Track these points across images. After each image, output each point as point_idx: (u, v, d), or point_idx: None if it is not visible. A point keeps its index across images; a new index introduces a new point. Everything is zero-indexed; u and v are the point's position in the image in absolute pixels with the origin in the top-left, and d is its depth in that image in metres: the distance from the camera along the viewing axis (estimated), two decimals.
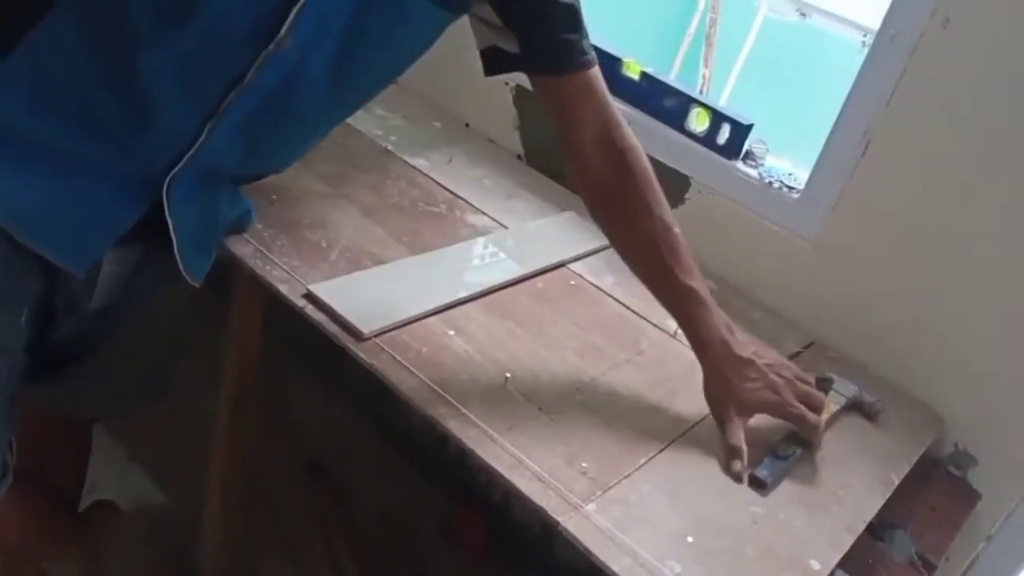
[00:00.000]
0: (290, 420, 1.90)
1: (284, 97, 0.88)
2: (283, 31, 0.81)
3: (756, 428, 1.03)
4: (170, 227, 0.91)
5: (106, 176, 0.87)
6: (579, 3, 1.00)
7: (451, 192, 1.39)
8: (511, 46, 1.01)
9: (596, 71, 1.02)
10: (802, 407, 1.00)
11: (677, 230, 1.01)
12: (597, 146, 1.02)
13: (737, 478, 0.96)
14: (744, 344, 1.02)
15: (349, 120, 1.50)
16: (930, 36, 1.13)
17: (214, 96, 0.84)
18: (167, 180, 0.88)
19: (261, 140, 0.93)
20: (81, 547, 1.34)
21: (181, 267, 0.94)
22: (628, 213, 1.02)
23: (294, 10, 0.81)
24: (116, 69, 0.82)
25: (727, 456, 0.98)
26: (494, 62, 1.04)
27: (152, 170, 0.88)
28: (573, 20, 0.99)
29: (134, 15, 0.80)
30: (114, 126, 0.85)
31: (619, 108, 1.45)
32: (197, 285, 0.98)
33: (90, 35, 0.82)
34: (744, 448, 0.97)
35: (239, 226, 1.08)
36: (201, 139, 0.86)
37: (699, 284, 1.00)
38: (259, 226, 1.12)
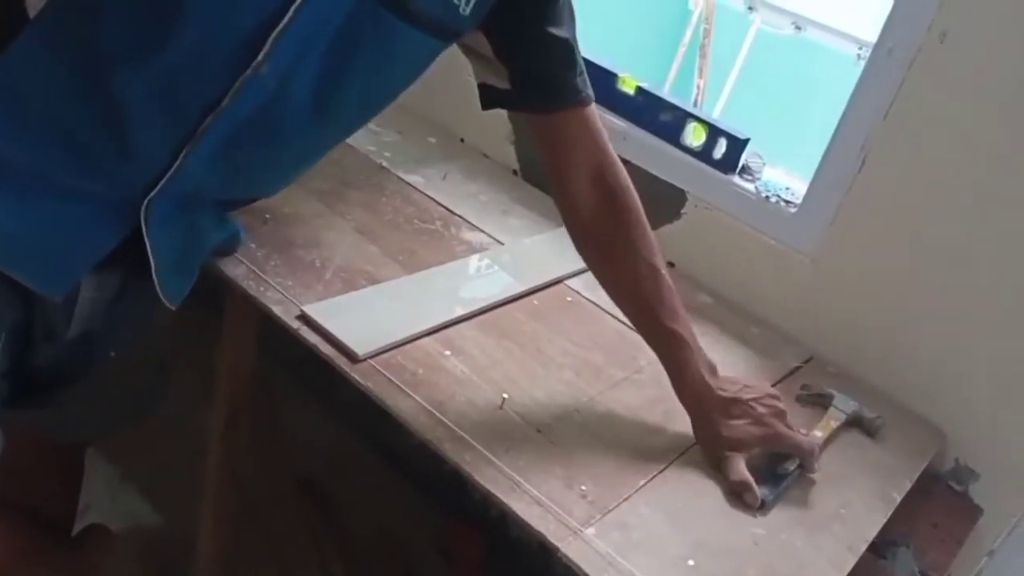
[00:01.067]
0: (284, 438, 1.89)
1: (264, 123, 0.86)
2: (260, 56, 0.80)
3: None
4: (148, 251, 0.89)
5: (83, 200, 0.86)
6: (576, 39, 0.99)
7: (446, 209, 1.38)
8: (501, 81, 1.00)
9: (591, 109, 1.00)
10: (795, 434, 1.00)
11: (664, 272, 1.01)
12: (587, 185, 1.01)
13: (751, 509, 0.95)
14: (728, 382, 1.01)
15: None
16: (927, 50, 1.13)
17: (190, 120, 0.83)
18: (144, 203, 0.87)
19: (242, 166, 0.91)
20: (75, 572, 1.32)
21: (158, 290, 0.92)
22: (615, 254, 1.01)
23: (272, 35, 0.79)
24: (91, 91, 0.80)
25: (735, 491, 0.96)
26: (490, 96, 1.04)
27: (130, 194, 0.86)
28: (569, 56, 0.98)
29: (108, 37, 0.78)
30: (90, 149, 0.83)
31: (613, 123, 1.45)
32: (174, 308, 0.97)
33: (64, 56, 0.80)
34: (750, 480, 0.95)
35: (227, 248, 1.07)
36: (177, 163, 0.84)
37: (682, 327, 1.00)
38: (252, 246, 1.11)
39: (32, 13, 0.80)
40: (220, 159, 0.87)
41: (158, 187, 0.86)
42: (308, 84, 0.86)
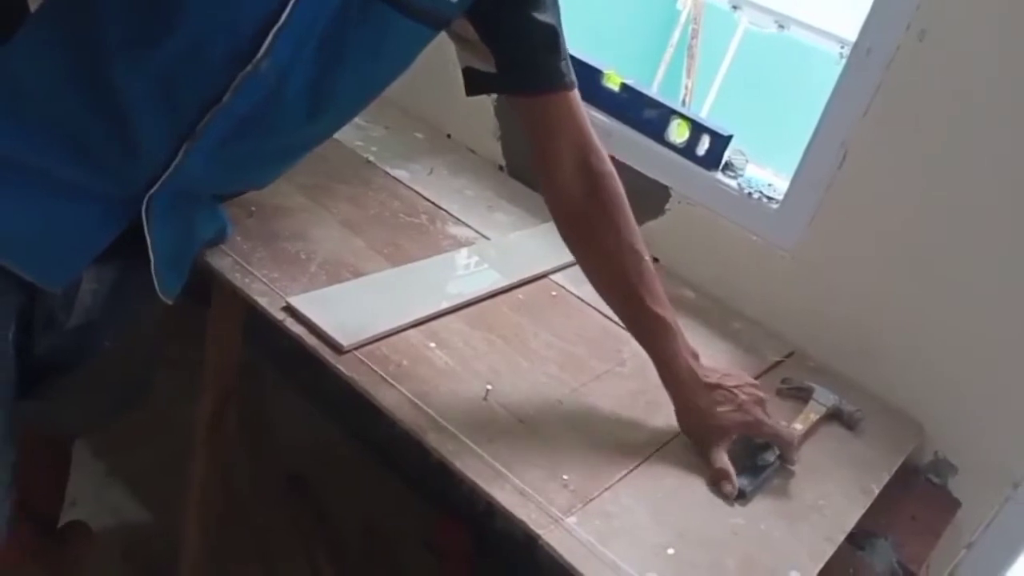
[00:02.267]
0: (271, 432, 1.89)
1: (263, 119, 0.87)
2: (261, 52, 0.81)
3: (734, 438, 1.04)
4: (148, 246, 0.90)
5: (84, 195, 0.87)
6: (560, 26, 1.00)
7: (432, 203, 1.38)
8: (487, 65, 1.00)
9: (575, 94, 1.01)
10: (775, 423, 1.01)
11: (647, 258, 1.01)
12: (571, 169, 1.01)
13: (728, 499, 0.96)
14: (709, 370, 1.02)
15: None
16: (906, 48, 1.14)
17: (190, 116, 0.84)
18: (146, 199, 0.88)
19: (240, 161, 0.92)
20: (59, 565, 1.32)
21: (156, 285, 0.94)
22: (599, 238, 1.01)
23: (272, 31, 0.80)
24: (92, 86, 0.81)
25: (714, 479, 0.97)
26: (474, 81, 1.04)
27: (131, 189, 0.87)
28: (552, 41, 0.98)
29: (108, 31, 0.79)
30: (92, 145, 0.84)
31: (598, 119, 1.46)
32: (170, 303, 0.98)
33: (64, 52, 0.81)
34: (731, 470, 0.97)
35: (215, 240, 1.08)
36: (178, 159, 0.85)
37: (667, 312, 1.00)
38: (238, 238, 1.11)
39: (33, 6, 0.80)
40: (219, 154, 0.88)
41: (159, 182, 0.87)
42: (305, 78, 0.86)
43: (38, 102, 0.84)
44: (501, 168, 1.62)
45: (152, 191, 0.87)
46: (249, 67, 0.81)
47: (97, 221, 0.88)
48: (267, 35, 0.80)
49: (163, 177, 0.87)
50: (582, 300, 1.25)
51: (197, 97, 0.83)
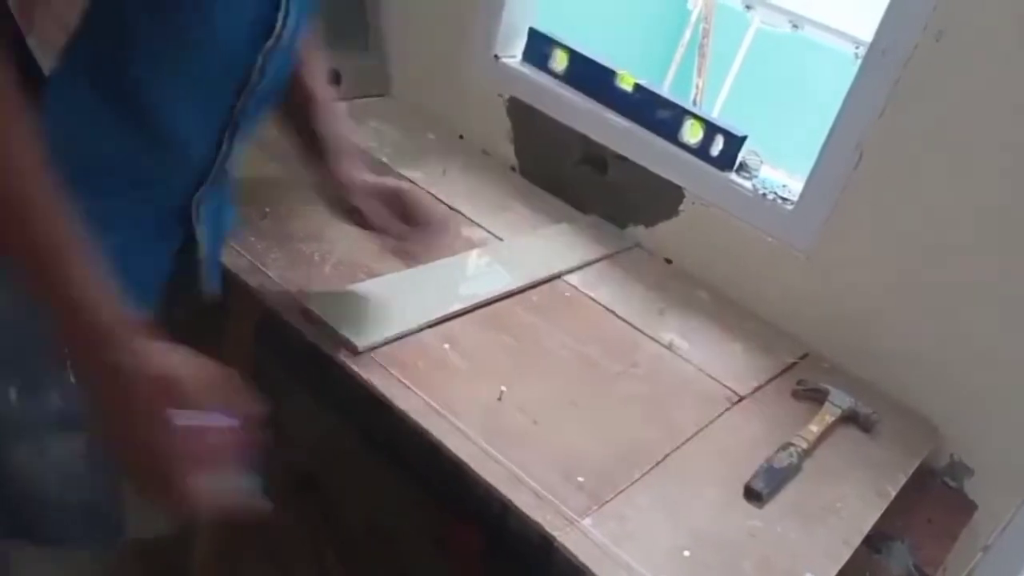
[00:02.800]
0: (283, 433, 1.89)
1: (278, 83, 0.89)
2: (278, 26, 0.82)
3: (750, 439, 1.04)
4: (199, 243, 0.91)
5: (149, 220, 0.88)
6: None
7: (445, 204, 1.38)
8: None
9: None
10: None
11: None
12: None
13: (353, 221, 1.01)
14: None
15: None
16: (923, 49, 1.14)
17: (227, 106, 0.85)
18: (196, 199, 0.89)
19: (256, 129, 0.93)
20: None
21: (203, 281, 0.95)
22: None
23: (283, 3, 0.81)
24: (134, 117, 0.81)
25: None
26: None
27: (185, 197, 0.89)
28: None
29: (137, 64, 0.79)
30: (151, 172, 0.85)
31: (612, 119, 1.46)
32: (216, 295, 0.98)
33: (101, 92, 0.81)
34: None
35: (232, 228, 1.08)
36: (224, 150, 0.87)
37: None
38: (252, 239, 1.12)
39: (33, 38, 0.79)
40: (249, 133, 0.89)
41: (208, 179, 0.88)
42: (299, 29, 0.87)
43: (87, 145, 0.84)
44: (513, 169, 1.61)
45: (201, 190, 0.89)
46: (271, 41, 0.82)
47: (163, 235, 0.90)
48: (278, 9, 0.81)
49: (212, 173, 0.88)
50: (596, 301, 1.25)
51: (228, 89, 0.84)
